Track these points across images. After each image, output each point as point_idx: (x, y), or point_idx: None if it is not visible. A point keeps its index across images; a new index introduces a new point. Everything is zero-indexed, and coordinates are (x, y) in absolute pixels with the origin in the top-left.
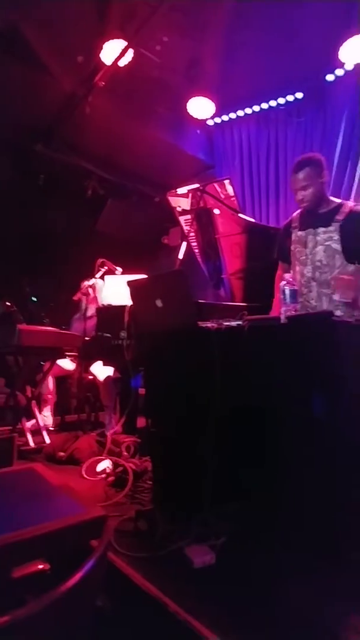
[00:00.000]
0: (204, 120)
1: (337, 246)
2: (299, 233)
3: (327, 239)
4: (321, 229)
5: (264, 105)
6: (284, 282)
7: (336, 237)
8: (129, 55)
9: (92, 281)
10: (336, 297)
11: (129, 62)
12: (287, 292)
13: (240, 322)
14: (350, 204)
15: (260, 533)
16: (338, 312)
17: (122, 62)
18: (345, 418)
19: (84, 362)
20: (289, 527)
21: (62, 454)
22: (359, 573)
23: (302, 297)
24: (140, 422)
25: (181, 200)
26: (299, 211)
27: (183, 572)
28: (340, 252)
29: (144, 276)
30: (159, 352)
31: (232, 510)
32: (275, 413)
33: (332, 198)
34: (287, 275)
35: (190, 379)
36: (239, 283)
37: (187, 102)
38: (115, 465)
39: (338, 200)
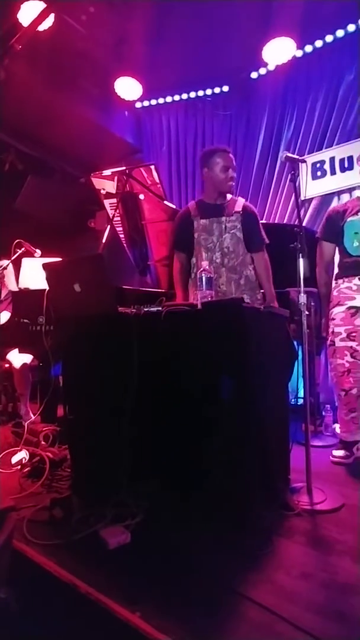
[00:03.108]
0: (132, 102)
1: (240, 235)
2: (202, 221)
3: (232, 227)
4: (224, 218)
5: (192, 94)
6: (201, 270)
7: (239, 226)
8: (50, 20)
9: (5, 262)
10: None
11: (51, 29)
12: (204, 279)
13: (159, 308)
14: (241, 199)
15: (175, 508)
16: (245, 296)
17: (43, 27)
18: (251, 398)
19: None
20: (202, 500)
21: None
22: (261, 535)
23: None
24: (61, 411)
25: (106, 182)
26: (194, 202)
27: (98, 554)
28: (242, 240)
29: (58, 259)
30: (77, 337)
31: (149, 489)
32: (190, 395)
33: None
34: (204, 264)
35: (110, 364)
36: (165, 270)
37: (114, 81)
38: (32, 455)
39: (230, 196)
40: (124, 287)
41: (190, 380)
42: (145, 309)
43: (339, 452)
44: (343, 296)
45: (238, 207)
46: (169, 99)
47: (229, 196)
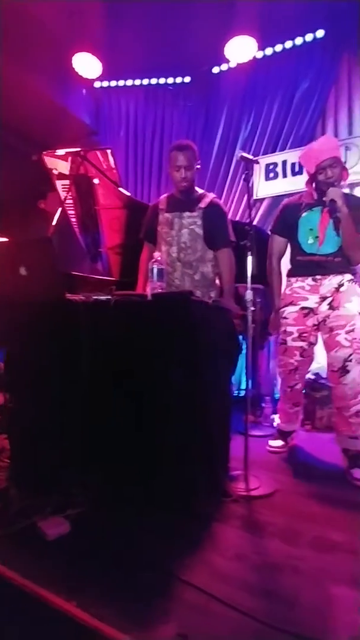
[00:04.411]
0: (91, 81)
1: (199, 231)
2: (166, 215)
3: (192, 222)
4: (187, 213)
5: (153, 81)
6: (152, 261)
7: (199, 222)
8: None
9: None
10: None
11: None
12: (155, 270)
13: (109, 297)
14: (211, 195)
15: (118, 498)
16: (198, 292)
17: None
18: (197, 389)
19: None
20: (147, 489)
21: None
22: (201, 521)
23: (167, 276)
24: (0, 398)
25: (59, 162)
26: (165, 195)
27: (35, 546)
28: (202, 237)
29: (4, 240)
30: (21, 323)
31: (93, 479)
32: (138, 385)
33: (196, 188)
34: (157, 254)
35: (56, 352)
36: (117, 258)
37: (72, 56)
38: None
39: (201, 190)
40: (73, 273)
41: (139, 370)
42: (95, 297)
43: (276, 443)
44: (296, 296)
45: (204, 203)
46: (129, 82)
47: (200, 191)
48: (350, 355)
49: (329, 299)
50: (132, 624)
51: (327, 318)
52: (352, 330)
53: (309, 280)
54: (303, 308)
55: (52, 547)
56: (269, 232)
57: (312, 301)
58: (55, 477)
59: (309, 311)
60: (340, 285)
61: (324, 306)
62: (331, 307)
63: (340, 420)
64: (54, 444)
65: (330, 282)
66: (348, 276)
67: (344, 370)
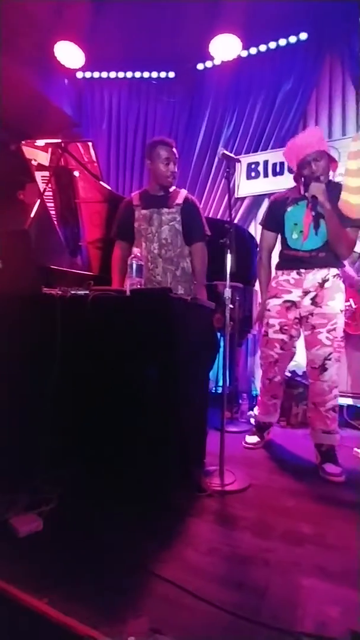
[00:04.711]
0: (73, 71)
1: (179, 227)
2: (143, 211)
3: (171, 219)
4: (165, 210)
5: (137, 74)
6: (132, 257)
7: (178, 218)
8: None
9: None
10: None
11: None
12: (134, 266)
13: (87, 292)
14: (184, 191)
15: (93, 494)
16: (179, 287)
17: None
18: (174, 385)
19: None
20: (122, 484)
21: None
22: (174, 516)
23: (148, 272)
24: None
25: (39, 153)
26: (137, 192)
27: (7, 544)
28: (181, 232)
29: None
30: None
31: (68, 475)
32: (114, 380)
33: None
34: (136, 250)
35: (30, 346)
36: (97, 253)
37: (54, 44)
38: None
39: (173, 187)
40: (51, 266)
41: (115, 366)
42: (72, 292)
43: (252, 439)
44: (281, 289)
45: (180, 199)
46: (112, 74)
47: (172, 187)
48: (330, 354)
49: (312, 294)
50: (104, 619)
51: (310, 315)
52: (334, 329)
53: (294, 274)
54: (286, 301)
55: (23, 544)
56: (260, 226)
57: (295, 295)
58: (27, 474)
59: (292, 304)
60: (325, 280)
61: (307, 300)
62: (314, 302)
63: (315, 415)
64: (26, 439)
65: (314, 277)
66: (334, 271)
67: (323, 368)
